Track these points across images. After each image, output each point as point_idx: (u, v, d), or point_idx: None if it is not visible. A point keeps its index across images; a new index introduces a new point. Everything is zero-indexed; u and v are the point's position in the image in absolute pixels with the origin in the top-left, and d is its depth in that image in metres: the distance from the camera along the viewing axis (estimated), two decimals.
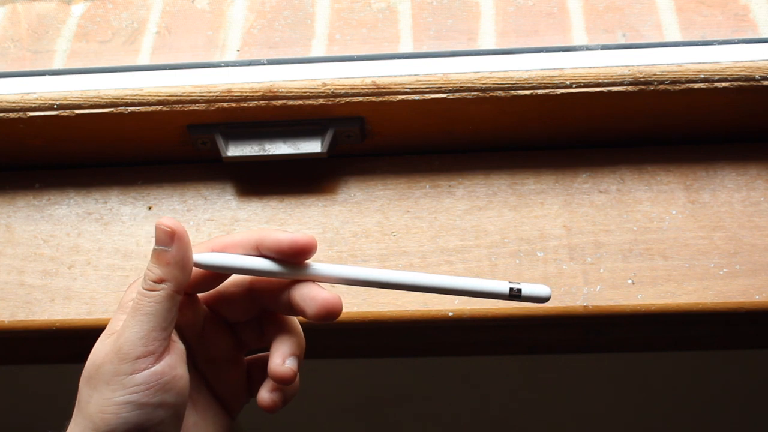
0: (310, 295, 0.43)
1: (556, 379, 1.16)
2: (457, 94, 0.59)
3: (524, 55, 0.62)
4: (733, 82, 0.58)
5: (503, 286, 0.44)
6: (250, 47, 0.68)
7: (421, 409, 1.21)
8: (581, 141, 0.63)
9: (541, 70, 0.59)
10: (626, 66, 0.58)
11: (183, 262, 0.42)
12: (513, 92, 0.59)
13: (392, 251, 0.60)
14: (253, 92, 0.60)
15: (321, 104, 0.59)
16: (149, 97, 0.60)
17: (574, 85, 0.58)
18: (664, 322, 0.57)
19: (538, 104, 0.59)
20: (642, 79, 0.58)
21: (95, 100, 0.60)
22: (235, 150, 0.61)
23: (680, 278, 0.57)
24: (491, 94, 0.59)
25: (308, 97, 0.59)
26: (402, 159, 0.64)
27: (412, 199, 0.62)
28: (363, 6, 0.69)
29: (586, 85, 0.58)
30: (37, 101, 0.60)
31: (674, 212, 0.60)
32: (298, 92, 0.59)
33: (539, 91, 0.58)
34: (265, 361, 0.45)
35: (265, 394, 0.45)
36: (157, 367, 0.41)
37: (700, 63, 0.58)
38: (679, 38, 0.64)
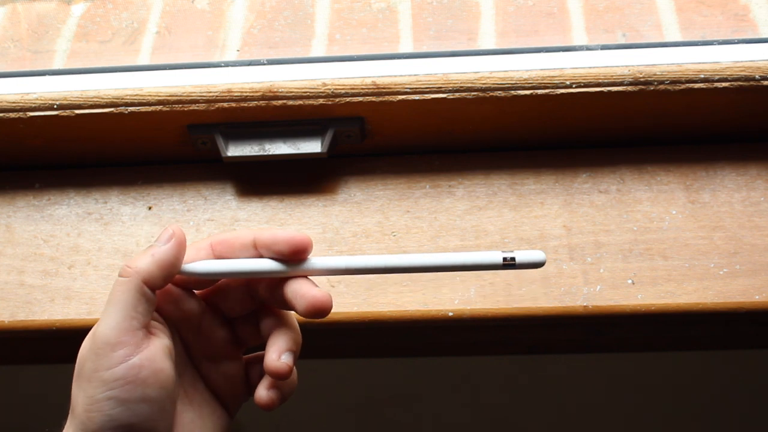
0: (300, 292, 0.43)
1: (555, 379, 1.16)
2: (457, 94, 0.59)
3: (524, 55, 0.62)
4: (733, 82, 0.58)
5: (497, 257, 0.43)
6: (250, 47, 0.68)
7: (421, 409, 1.21)
8: (581, 141, 0.63)
9: (541, 70, 0.59)
10: (626, 66, 0.59)
11: (165, 261, 0.42)
12: (513, 92, 0.59)
13: (392, 251, 0.60)
14: (253, 92, 0.60)
15: (321, 104, 0.59)
16: (149, 97, 0.60)
17: (574, 85, 0.58)
18: (664, 322, 0.57)
19: (538, 104, 0.59)
20: (642, 79, 0.58)
21: (95, 100, 0.60)
22: (235, 150, 0.61)
23: (680, 278, 0.57)
24: (491, 94, 0.59)
25: (308, 97, 0.59)
26: (402, 159, 0.64)
27: (412, 199, 0.62)
28: (363, 6, 0.69)
29: (586, 85, 0.58)
30: (37, 101, 0.60)
31: (674, 212, 0.60)
32: (298, 92, 0.59)
33: (539, 91, 0.58)
34: (263, 359, 0.45)
35: (262, 392, 0.45)
36: (135, 360, 0.41)
37: (700, 63, 0.58)
38: (679, 38, 0.64)
